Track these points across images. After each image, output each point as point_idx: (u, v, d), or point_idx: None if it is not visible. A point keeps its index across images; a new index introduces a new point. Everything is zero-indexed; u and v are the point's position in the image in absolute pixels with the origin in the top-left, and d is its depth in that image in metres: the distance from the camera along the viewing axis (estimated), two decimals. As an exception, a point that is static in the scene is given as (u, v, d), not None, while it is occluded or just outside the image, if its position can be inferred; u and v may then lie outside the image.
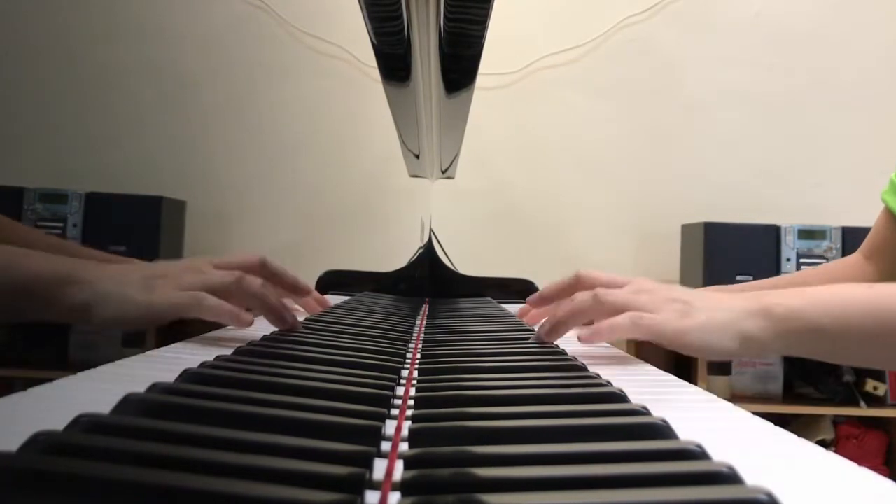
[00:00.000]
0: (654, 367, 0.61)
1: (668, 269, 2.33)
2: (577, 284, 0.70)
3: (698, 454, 0.29)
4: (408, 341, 0.65)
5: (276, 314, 0.65)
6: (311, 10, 2.41)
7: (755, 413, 0.42)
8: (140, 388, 0.36)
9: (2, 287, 0.61)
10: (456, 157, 1.28)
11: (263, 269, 0.69)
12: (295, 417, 0.33)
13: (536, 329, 0.67)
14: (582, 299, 0.64)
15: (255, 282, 0.66)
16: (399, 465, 0.29)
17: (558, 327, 0.64)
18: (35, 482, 0.23)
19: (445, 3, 0.60)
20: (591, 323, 0.70)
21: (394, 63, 0.75)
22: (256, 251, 0.72)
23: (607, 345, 0.75)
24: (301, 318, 0.78)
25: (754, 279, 2.04)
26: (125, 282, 0.62)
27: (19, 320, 0.69)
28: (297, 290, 0.77)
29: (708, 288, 0.64)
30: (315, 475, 0.25)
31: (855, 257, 0.99)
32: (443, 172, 1.37)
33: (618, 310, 0.61)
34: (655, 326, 0.59)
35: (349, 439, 0.31)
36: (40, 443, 0.26)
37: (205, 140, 2.41)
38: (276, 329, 0.66)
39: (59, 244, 0.93)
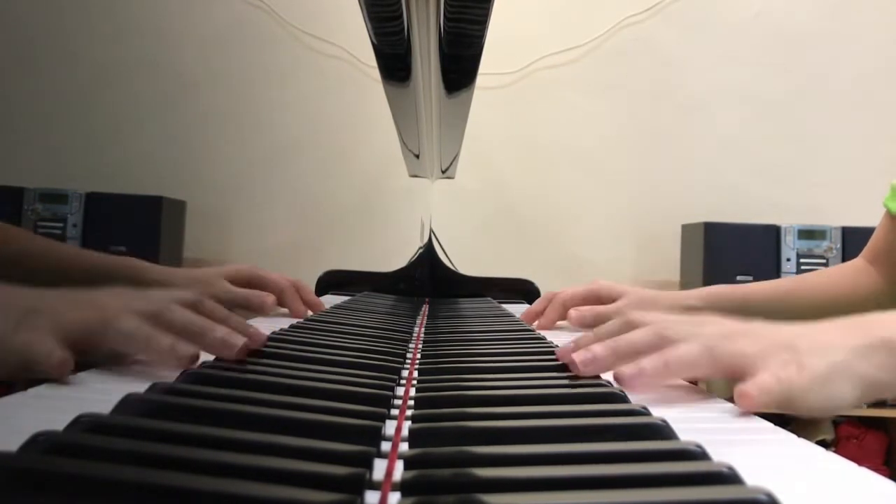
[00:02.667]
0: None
1: (668, 269, 2.33)
2: (627, 328, 0.55)
3: (698, 454, 0.29)
4: (408, 341, 0.65)
5: (203, 340, 0.51)
6: (311, 10, 2.41)
7: (755, 413, 0.42)
8: (140, 388, 0.36)
9: None
10: (456, 157, 1.28)
11: (199, 307, 0.56)
12: (295, 417, 0.33)
13: (565, 352, 0.54)
14: (691, 354, 0.50)
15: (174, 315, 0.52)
16: (399, 465, 0.29)
17: (603, 362, 0.51)
18: (35, 482, 0.23)
19: (445, 3, 0.60)
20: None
21: (394, 63, 0.75)
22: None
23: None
24: (300, 319, 0.78)
25: (754, 279, 2.04)
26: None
27: None
28: (251, 306, 0.71)
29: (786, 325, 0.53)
30: (315, 475, 0.25)
31: (858, 261, 0.99)
32: (443, 172, 1.37)
33: (725, 368, 0.50)
34: (775, 393, 0.47)
35: (349, 439, 0.31)
36: (40, 443, 0.26)
37: (205, 140, 2.41)
38: (275, 330, 0.66)
39: (57, 247, 0.93)
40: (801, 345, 0.50)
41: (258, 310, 0.89)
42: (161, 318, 0.51)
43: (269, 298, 0.89)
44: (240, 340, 0.50)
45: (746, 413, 0.43)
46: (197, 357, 0.48)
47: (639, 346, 0.51)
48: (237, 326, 0.53)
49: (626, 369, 0.49)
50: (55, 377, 0.44)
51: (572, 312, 0.89)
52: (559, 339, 0.73)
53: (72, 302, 0.51)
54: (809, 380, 0.47)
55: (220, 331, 0.50)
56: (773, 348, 0.50)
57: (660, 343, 0.51)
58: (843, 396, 0.48)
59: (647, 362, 0.49)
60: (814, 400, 0.47)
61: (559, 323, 0.95)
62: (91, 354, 0.50)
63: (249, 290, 0.90)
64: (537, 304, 0.96)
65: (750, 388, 0.46)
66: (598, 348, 0.52)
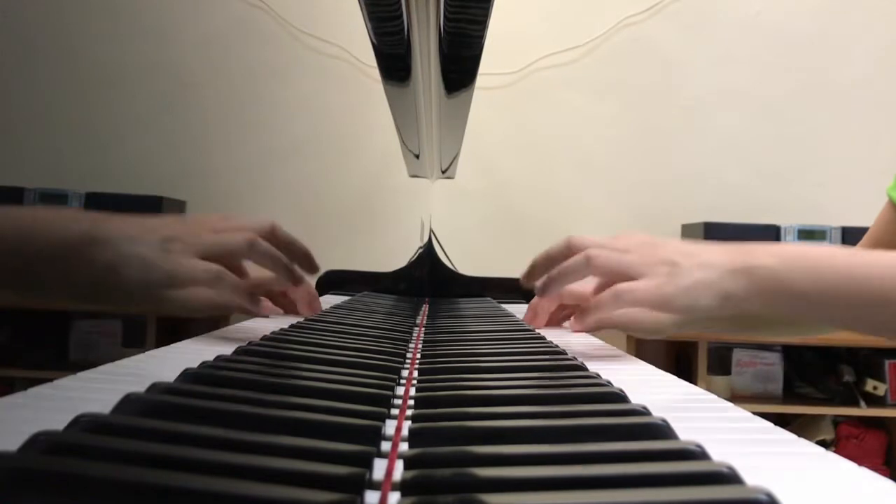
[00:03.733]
0: (652, 367, 0.61)
1: (668, 269, 2.33)
2: (568, 251, 0.69)
3: (698, 454, 0.29)
4: (408, 341, 0.65)
5: (287, 274, 0.66)
6: (311, 10, 2.41)
7: (755, 413, 0.42)
8: (140, 388, 0.36)
9: (18, 256, 0.55)
10: (456, 157, 1.28)
11: (273, 236, 0.67)
12: (295, 417, 0.33)
13: (537, 286, 0.69)
14: (575, 260, 0.65)
15: (268, 246, 0.65)
16: (399, 465, 0.29)
17: (551, 285, 0.66)
18: (35, 482, 0.23)
19: (445, 3, 0.60)
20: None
21: (394, 63, 0.75)
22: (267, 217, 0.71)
23: (601, 342, 0.76)
24: (300, 319, 0.78)
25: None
26: (143, 241, 0.58)
27: (40, 296, 0.64)
28: (305, 263, 0.72)
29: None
30: (315, 475, 0.25)
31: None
32: (443, 172, 1.37)
33: (608, 271, 0.64)
34: (640, 297, 0.61)
35: (349, 439, 0.31)
36: (40, 443, 0.26)
37: (205, 140, 2.41)
38: (275, 330, 0.66)
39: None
40: (682, 261, 0.62)
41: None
42: (274, 235, 0.65)
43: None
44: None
45: (746, 413, 0.43)
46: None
47: (554, 255, 0.67)
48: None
49: (573, 323, 0.65)
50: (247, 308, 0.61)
51: (575, 326, 0.88)
52: (559, 339, 0.73)
53: (192, 224, 0.63)
54: (674, 291, 0.60)
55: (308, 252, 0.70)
56: (656, 261, 0.63)
57: (568, 252, 0.67)
58: (705, 304, 0.61)
59: (540, 280, 0.66)
60: (676, 306, 0.61)
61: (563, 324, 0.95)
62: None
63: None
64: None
65: (589, 305, 0.63)
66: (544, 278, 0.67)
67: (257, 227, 0.65)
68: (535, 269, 0.71)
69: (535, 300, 0.94)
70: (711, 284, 0.60)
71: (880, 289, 0.59)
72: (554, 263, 0.68)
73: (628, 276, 0.63)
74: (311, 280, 0.91)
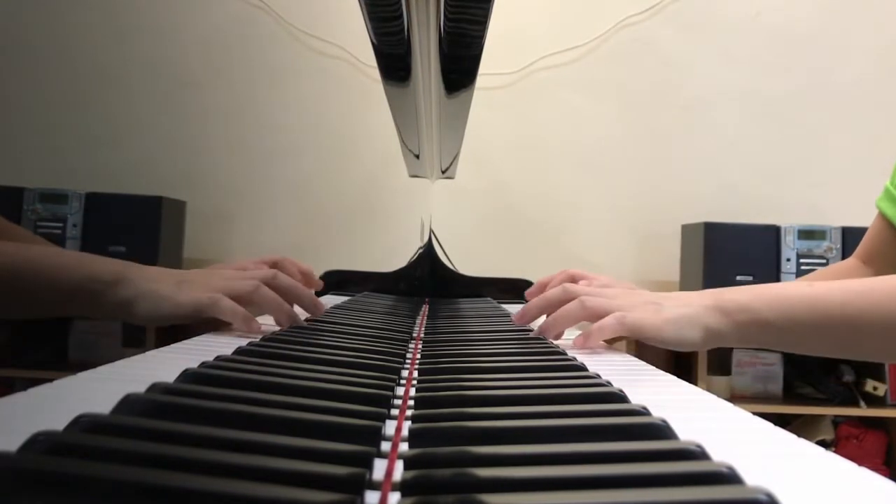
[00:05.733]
0: (652, 367, 0.61)
1: (668, 269, 2.33)
2: (564, 296, 0.74)
3: (698, 454, 0.29)
4: (408, 341, 0.65)
5: (286, 318, 0.72)
6: (311, 10, 2.41)
7: (755, 413, 0.42)
8: (140, 388, 0.36)
9: (60, 287, 0.67)
10: (456, 157, 1.28)
11: (274, 283, 0.74)
12: (295, 417, 0.33)
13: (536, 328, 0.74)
14: (571, 307, 0.71)
15: (270, 293, 0.73)
16: (399, 465, 0.29)
17: (549, 329, 0.72)
18: (35, 482, 0.23)
19: (445, 3, 0.60)
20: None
21: (394, 63, 0.75)
22: (265, 251, 0.80)
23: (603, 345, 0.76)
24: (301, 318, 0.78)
25: (754, 279, 2.05)
26: (160, 281, 0.70)
27: (59, 315, 0.74)
28: (310, 307, 0.80)
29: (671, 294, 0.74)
30: (315, 475, 0.25)
31: (853, 261, 0.99)
32: (443, 172, 1.37)
33: (601, 313, 0.68)
34: (637, 323, 0.67)
35: (349, 439, 0.31)
36: (40, 443, 0.26)
37: (205, 140, 2.41)
38: (275, 330, 0.66)
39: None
40: (664, 301, 0.69)
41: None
42: (273, 284, 0.73)
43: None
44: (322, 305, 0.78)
45: (746, 413, 0.43)
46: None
47: (552, 300, 0.73)
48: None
49: (576, 340, 0.69)
50: (244, 328, 0.68)
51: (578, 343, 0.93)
52: (559, 339, 0.73)
53: (210, 276, 0.74)
54: (664, 320, 0.67)
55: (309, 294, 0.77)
56: (642, 301, 0.69)
57: (565, 297, 0.71)
58: (691, 337, 0.67)
59: (542, 323, 0.72)
60: (666, 336, 0.67)
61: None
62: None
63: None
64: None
65: (593, 327, 0.67)
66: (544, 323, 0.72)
67: (261, 276, 0.74)
68: (530, 313, 0.77)
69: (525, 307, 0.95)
70: (692, 319, 0.67)
71: (841, 314, 0.65)
72: (550, 307, 0.73)
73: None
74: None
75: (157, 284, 0.69)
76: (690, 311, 0.67)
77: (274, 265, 0.95)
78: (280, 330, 0.66)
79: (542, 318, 0.76)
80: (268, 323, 0.74)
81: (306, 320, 0.75)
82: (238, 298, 0.70)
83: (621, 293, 0.72)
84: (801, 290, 0.69)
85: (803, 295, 0.67)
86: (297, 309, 0.77)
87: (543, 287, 0.99)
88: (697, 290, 0.72)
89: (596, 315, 0.69)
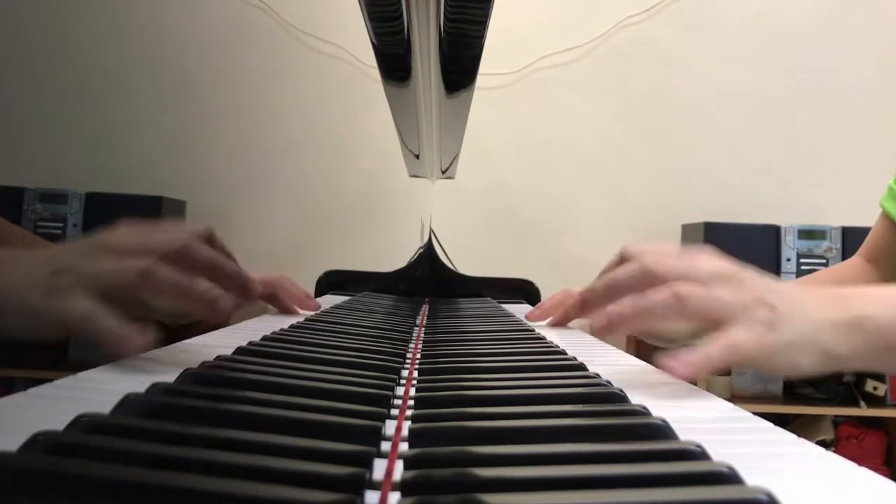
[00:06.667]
0: (651, 366, 0.61)
1: (668, 269, 2.33)
2: (644, 279, 0.55)
3: (698, 454, 0.29)
4: (408, 341, 0.65)
5: (198, 306, 0.51)
6: (311, 10, 2.41)
7: (755, 413, 0.42)
8: (140, 388, 0.36)
9: None
10: (456, 157, 1.28)
11: (189, 253, 0.53)
12: (295, 417, 0.33)
13: (591, 323, 0.56)
14: (664, 300, 0.51)
15: (169, 275, 0.50)
16: (399, 465, 0.29)
17: (628, 321, 0.52)
18: (35, 482, 0.23)
19: (445, 3, 0.60)
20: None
21: (394, 63, 0.75)
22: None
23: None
24: (300, 319, 0.78)
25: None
26: (26, 283, 0.48)
27: None
28: (237, 288, 0.57)
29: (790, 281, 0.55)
30: (315, 475, 0.25)
31: (857, 260, 0.99)
32: (443, 172, 1.37)
33: (703, 316, 0.52)
34: (750, 354, 0.50)
35: (349, 439, 0.31)
36: (40, 443, 0.26)
37: (205, 140, 2.41)
38: (275, 330, 0.66)
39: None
40: (781, 306, 0.51)
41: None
42: (187, 255, 0.50)
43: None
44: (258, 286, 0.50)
45: (746, 413, 0.43)
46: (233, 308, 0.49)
47: (623, 282, 0.53)
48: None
49: (596, 320, 0.50)
50: (118, 349, 0.47)
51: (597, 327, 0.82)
52: (560, 339, 0.73)
53: (90, 249, 0.51)
54: (776, 344, 0.50)
55: (244, 274, 0.51)
56: (753, 302, 0.51)
57: (643, 281, 0.53)
58: (805, 363, 0.51)
59: (615, 308, 0.50)
60: (777, 362, 0.51)
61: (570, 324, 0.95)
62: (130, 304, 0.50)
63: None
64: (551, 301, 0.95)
65: (694, 357, 0.49)
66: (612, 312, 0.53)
67: (165, 247, 0.51)
68: (595, 297, 0.57)
69: (555, 297, 0.93)
70: (810, 340, 0.51)
71: None
72: (622, 291, 0.54)
73: (722, 320, 0.51)
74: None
75: (24, 288, 0.48)
76: (811, 327, 0.51)
77: (271, 286, 0.90)
78: (281, 329, 0.66)
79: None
80: (273, 325, 0.74)
81: (307, 320, 0.75)
82: (122, 289, 0.49)
83: (718, 277, 0.53)
84: None
85: None
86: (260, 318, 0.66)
87: (544, 310, 0.96)
88: (822, 292, 0.54)
89: (696, 316, 0.52)
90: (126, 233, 0.52)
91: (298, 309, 0.93)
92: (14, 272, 0.49)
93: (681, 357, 0.50)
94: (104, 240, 0.52)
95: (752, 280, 0.54)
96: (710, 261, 0.55)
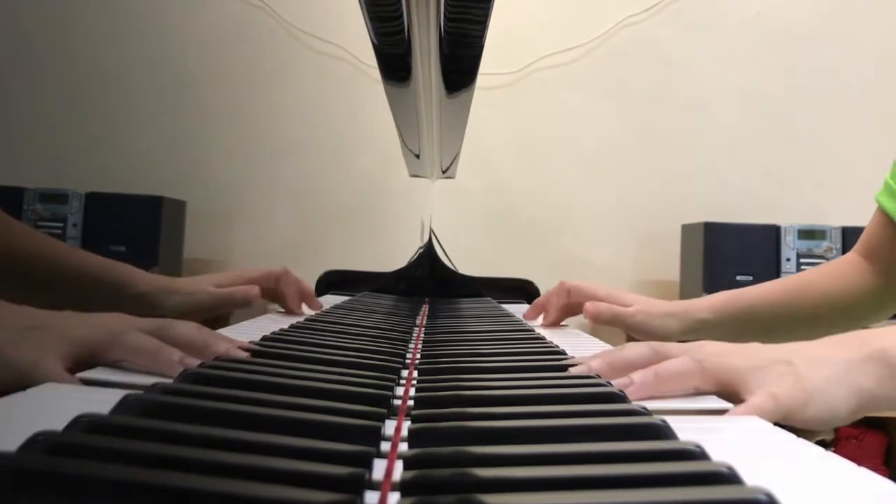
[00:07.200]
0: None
1: (668, 269, 2.33)
2: (656, 356, 0.53)
3: (698, 454, 0.29)
4: (408, 341, 0.65)
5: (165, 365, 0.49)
6: (311, 10, 2.41)
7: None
8: (140, 388, 0.36)
9: None
10: (456, 157, 1.28)
11: (163, 333, 0.53)
12: (295, 417, 0.33)
13: (619, 386, 0.50)
14: (686, 364, 0.50)
15: (141, 339, 0.51)
16: (399, 465, 0.29)
17: (650, 385, 0.49)
18: (35, 482, 0.23)
19: (445, 3, 0.60)
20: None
21: (394, 63, 0.75)
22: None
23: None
24: (300, 319, 0.78)
25: (754, 279, 2.04)
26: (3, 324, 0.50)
27: None
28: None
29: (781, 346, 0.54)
30: (315, 475, 0.25)
31: (853, 256, 0.99)
32: (443, 172, 1.37)
33: (720, 380, 0.50)
34: (782, 402, 0.47)
35: (349, 439, 0.31)
36: (40, 443, 0.26)
37: (205, 140, 2.41)
38: (276, 329, 0.66)
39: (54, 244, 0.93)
40: (796, 359, 0.50)
41: (244, 304, 0.90)
42: (165, 334, 0.51)
43: (253, 290, 0.90)
44: (242, 354, 0.51)
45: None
46: None
47: (635, 361, 0.52)
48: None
49: (617, 381, 0.48)
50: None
51: (588, 305, 0.91)
52: (560, 339, 0.73)
53: (75, 319, 0.52)
54: (808, 391, 0.47)
55: (223, 344, 0.52)
56: (767, 362, 0.50)
57: (655, 358, 0.51)
58: (842, 407, 0.48)
59: (638, 375, 0.48)
60: (813, 412, 0.47)
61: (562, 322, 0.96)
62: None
63: (232, 288, 0.91)
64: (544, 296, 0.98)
65: (745, 410, 0.46)
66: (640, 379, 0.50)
67: (147, 327, 0.53)
68: (609, 372, 0.53)
69: (543, 297, 0.96)
70: (842, 382, 0.49)
71: None
72: (633, 367, 0.52)
73: (739, 384, 0.49)
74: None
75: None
76: (836, 370, 0.49)
77: (276, 279, 0.95)
78: (281, 329, 0.66)
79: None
80: (272, 325, 0.74)
81: (307, 320, 0.75)
82: (93, 350, 0.50)
83: (732, 349, 0.53)
84: None
85: None
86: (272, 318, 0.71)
87: (541, 308, 1.00)
88: (830, 338, 0.53)
89: (715, 380, 0.50)
90: (114, 315, 0.55)
91: (300, 309, 0.94)
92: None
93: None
94: (90, 316, 0.54)
95: (759, 346, 0.53)
96: (624, 297, 0.53)
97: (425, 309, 1.07)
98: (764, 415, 0.45)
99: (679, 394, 0.50)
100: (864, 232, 0.99)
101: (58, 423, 0.29)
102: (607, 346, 0.74)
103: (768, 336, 0.87)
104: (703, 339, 0.57)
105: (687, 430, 0.33)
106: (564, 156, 2.42)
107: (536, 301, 1.01)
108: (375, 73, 0.81)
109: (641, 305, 0.91)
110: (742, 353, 0.51)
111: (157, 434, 0.29)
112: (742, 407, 0.46)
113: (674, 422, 0.34)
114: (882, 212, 0.95)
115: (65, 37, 2.41)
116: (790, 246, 2.11)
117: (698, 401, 0.47)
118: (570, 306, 0.97)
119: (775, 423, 0.43)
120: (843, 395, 0.48)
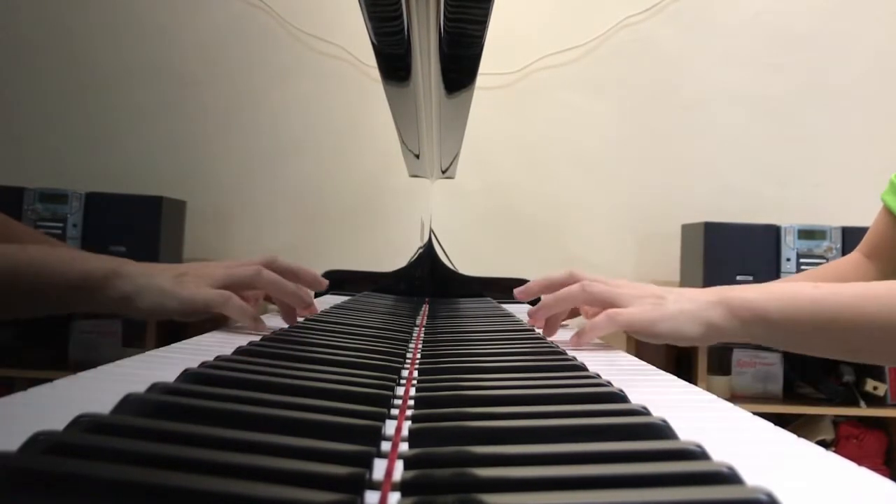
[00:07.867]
0: (651, 366, 0.61)
1: (668, 269, 2.33)
2: (568, 280, 0.75)
3: (698, 454, 0.29)
4: (408, 341, 0.65)
5: (293, 297, 0.75)
6: (311, 10, 2.41)
7: (755, 413, 0.42)
8: (140, 388, 0.36)
9: (59, 283, 0.69)
10: (456, 157, 1.28)
11: (275, 266, 0.76)
12: (295, 417, 0.33)
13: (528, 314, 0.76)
14: (572, 289, 0.71)
15: (272, 275, 0.74)
16: (399, 465, 0.29)
17: (544, 308, 0.73)
18: (35, 482, 0.23)
19: (445, 3, 0.60)
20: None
21: (394, 63, 0.75)
22: (265, 251, 0.82)
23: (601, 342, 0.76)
24: (300, 319, 0.78)
25: (754, 279, 2.05)
26: (157, 275, 0.70)
27: (64, 312, 0.75)
28: (314, 283, 0.82)
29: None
30: (315, 475, 0.25)
31: (855, 256, 0.99)
32: (443, 172, 1.37)
33: (600, 299, 0.70)
34: (630, 319, 0.67)
35: (349, 439, 0.31)
36: (40, 443, 0.26)
37: (205, 140, 2.41)
38: (276, 329, 0.66)
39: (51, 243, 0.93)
40: (669, 296, 0.69)
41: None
42: (273, 266, 0.75)
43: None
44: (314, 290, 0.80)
45: (746, 413, 0.43)
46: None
47: (554, 281, 0.75)
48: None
49: (531, 310, 0.74)
50: (251, 326, 0.69)
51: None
52: (559, 338, 0.73)
53: (207, 266, 0.73)
54: (661, 314, 0.67)
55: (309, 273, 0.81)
56: (646, 293, 0.70)
57: (581, 295, 0.72)
58: (689, 331, 0.67)
59: (535, 309, 0.74)
60: (662, 328, 0.67)
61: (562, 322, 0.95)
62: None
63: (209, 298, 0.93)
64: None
65: (585, 327, 0.69)
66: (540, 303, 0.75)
67: (260, 260, 0.75)
68: (532, 289, 0.79)
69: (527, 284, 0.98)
70: (693, 314, 0.67)
71: (845, 316, 0.66)
72: (552, 288, 0.74)
73: (617, 305, 0.69)
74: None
75: (156, 279, 0.69)
76: (693, 306, 0.68)
77: (269, 265, 0.94)
78: (281, 329, 0.66)
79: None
80: (274, 324, 0.74)
81: (306, 319, 0.75)
82: (241, 284, 0.72)
83: (626, 284, 0.72)
84: (807, 291, 0.69)
85: (809, 296, 0.67)
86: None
87: (546, 284, 0.99)
88: (713, 288, 0.71)
89: (596, 300, 0.70)
90: (226, 263, 0.76)
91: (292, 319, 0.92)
92: (148, 268, 0.70)
93: (577, 333, 0.70)
94: (212, 263, 0.76)
95: (652, 287, 0.72)
96: (627, 282, 0.73)
97: (425, 309, 1.07)
98: (614, 318, 0.67)
99: (566, 310, 0.76)
100: (868, 232, 0.99)
101: (58, 423, 0.29)
102: (607, 347, 0.74)
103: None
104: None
105: (688, 431, 0.33)
106: (564, 156, 2.42)
107: (544, 304, 0.93)
108: (375, 73, 0.81)
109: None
110: (632, 286, 0.71)
111: (158, 434, 0.29)
112: (601, 315, 0.68)
113: (674, 422, 0.34)
114: (888, 211, 0.95)
115: (65, 37, 2.41)
116: (790, 246, 2.11)
117: (691, 393, 0.48)
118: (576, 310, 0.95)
119: (635, 335, 0.68)
120: (690, 322, 0.67)
